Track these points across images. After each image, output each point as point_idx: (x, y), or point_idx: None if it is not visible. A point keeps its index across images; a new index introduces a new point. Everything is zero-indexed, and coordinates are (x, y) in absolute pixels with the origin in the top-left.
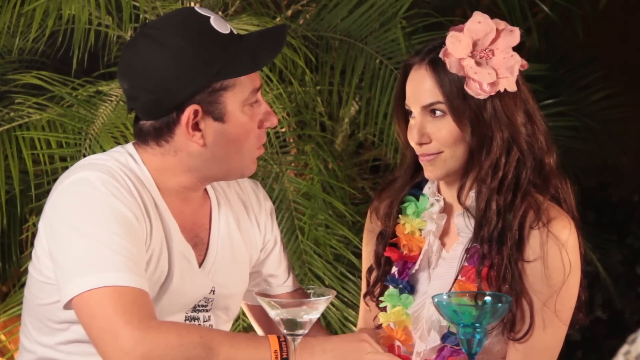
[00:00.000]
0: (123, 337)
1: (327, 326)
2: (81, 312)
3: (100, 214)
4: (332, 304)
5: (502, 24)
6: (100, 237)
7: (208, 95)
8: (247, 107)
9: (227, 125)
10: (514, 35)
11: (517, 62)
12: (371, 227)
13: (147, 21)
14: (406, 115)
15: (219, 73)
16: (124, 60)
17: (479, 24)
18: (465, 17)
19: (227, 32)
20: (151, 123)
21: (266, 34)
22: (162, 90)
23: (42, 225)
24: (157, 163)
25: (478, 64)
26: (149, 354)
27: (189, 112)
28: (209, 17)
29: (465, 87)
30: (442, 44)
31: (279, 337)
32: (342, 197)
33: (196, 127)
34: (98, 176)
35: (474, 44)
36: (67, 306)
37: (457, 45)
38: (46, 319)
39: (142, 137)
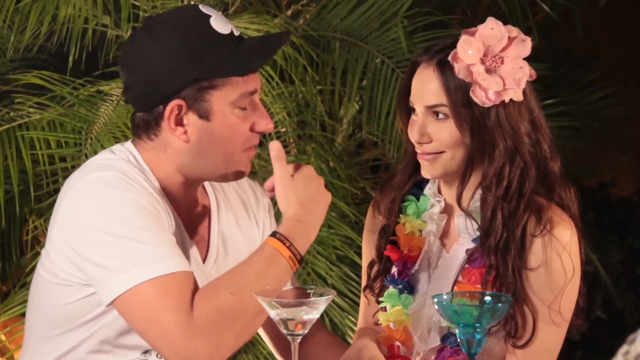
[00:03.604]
0: (172, 331)
1: (331, 327)
2: (127, 309)
3: (123, 211)
4: (336, 304)
5: (515, 32)
6: (129, 234)
7: (195, 92)
8: (237, 109)
9: (212, 123)
10: (526, 46)
11: (525, 75)
12: (371, 227)
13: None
14: (409, 110)
15: (208, 71)
16: (124, 50)
17: (492, 29)
18: (465, 16)
19: (227, 32)
20: (141, 115)
21: (266, 39)
22: (151, 82)
23: (57, 229)
24: (153, 160)
25: (487, 70)
26: (201, 338)
27: (172, 105)
28: (209, 16)
29: (470, 93)
30: (452, 44)
31: (279, 239)
32: (344, 197)
33: (180, 122)
34: (114, 175)
35: (485, 50)
36: (109, 305)
37: (468, 51)
38: (64, 319)
39: (135, 130)
